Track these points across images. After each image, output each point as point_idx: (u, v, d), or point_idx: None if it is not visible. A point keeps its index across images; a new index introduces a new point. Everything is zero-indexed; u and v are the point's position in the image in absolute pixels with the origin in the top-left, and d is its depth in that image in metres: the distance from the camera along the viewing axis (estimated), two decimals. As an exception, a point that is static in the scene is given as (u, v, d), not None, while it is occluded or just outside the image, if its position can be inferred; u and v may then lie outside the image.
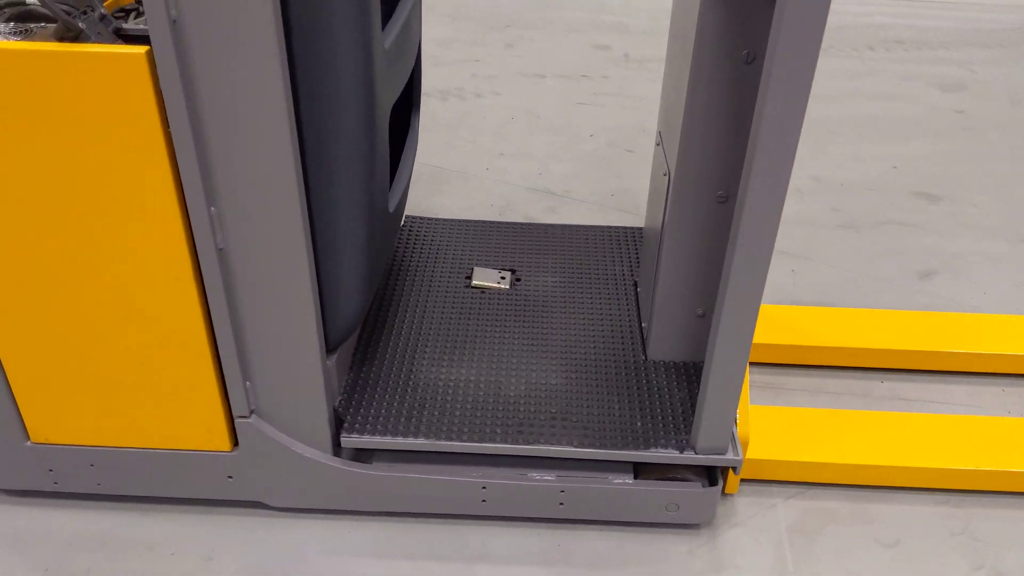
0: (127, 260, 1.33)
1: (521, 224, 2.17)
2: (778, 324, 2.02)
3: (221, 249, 1.33)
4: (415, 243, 2.07)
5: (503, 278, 1.95)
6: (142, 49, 1.15)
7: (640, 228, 2.15)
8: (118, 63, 1.16)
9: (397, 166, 1.69)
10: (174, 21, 1.13)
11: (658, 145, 1.70)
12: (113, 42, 1.24)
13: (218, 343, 1.41)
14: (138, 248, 1.32)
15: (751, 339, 1.37)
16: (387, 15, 1.54)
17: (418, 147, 3.05)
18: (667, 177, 1.56)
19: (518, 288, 1.92)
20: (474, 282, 1.93)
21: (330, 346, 1.52)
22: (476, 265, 2.00)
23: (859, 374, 2.00)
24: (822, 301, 2.25)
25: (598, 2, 4.51)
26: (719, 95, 1.40)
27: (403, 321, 1.79)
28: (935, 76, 3.69)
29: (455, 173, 2.88)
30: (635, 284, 1.93)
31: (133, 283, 1.35)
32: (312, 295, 1.38)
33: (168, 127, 1.21)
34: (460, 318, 1.81)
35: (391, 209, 1.54)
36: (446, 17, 4.28)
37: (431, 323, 1.79)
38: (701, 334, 1.68)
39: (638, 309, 1.85)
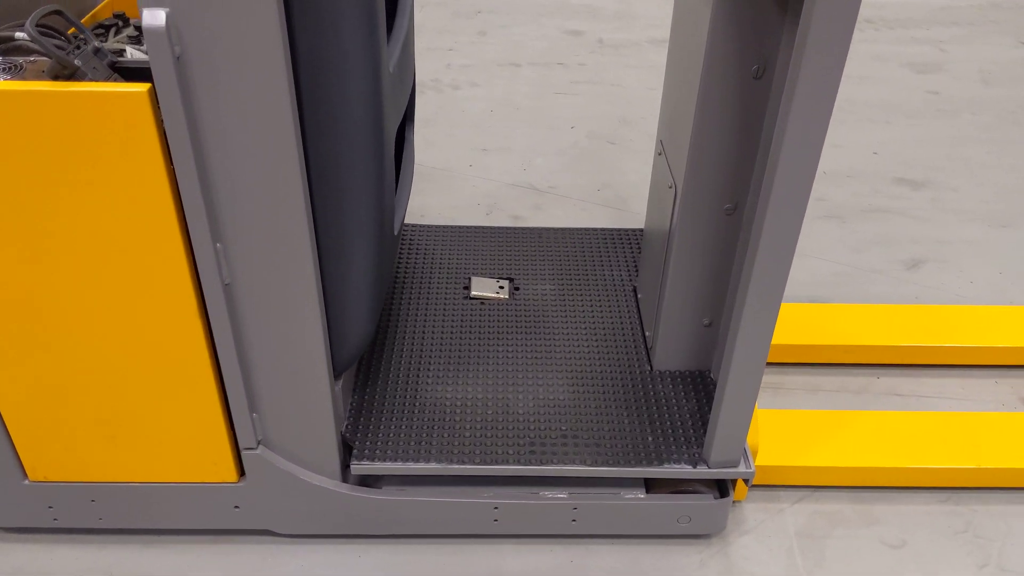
0: (131, 297, 1.29)
1: (515, 229, 2.15)
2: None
3: (228, 284, 1.30)
4: (411, 252, 2.04)
5: (501, 287, 1.93)
6: (143, 87, 1.11)
7: (634, 229, 2.14)
8: (119, 102, 1.11)
9: (397, 186, 1.66)
10: (178, 57, 1.09)
11: (660, 155, 1.69)
12: (109, 77, 1.19)
13: (224, 377, 1.38)
14: (142, 285, 1.27)
15: (766, 355, 1.37)
16: (387, 32, 1.50)
17: (398, 144, 3.01)
18: (673, 189, 1.55)
19: (517, 297, 1.91)
20: (473, 292, 1.91)
21: (337, 372, 1.49)
22: (473, 274, 1.98)
23: (855, 370, 2.02)
24: (814, 295, 2.26)
25: (568, -16, 4.46)
26: (728, 110, 1.38)
27: (404, 337, 1.77)
28: (907, 56, 3.71)
29: (438, 171, 2.84)
30: (634, 290, 1.93)
31: (137, 320, 1.31)
32: (321, 326, 1.36)
33: (172, 165, 1.17)
34: (462, 332, 1.79)
35: (395, 231, 1.51)
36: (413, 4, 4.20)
37: (433, 338, 1.77)
38: (707, 343, 1.67)
39: (639, 316, 1.84)
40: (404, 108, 1.50)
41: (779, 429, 1.75)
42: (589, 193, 2.74)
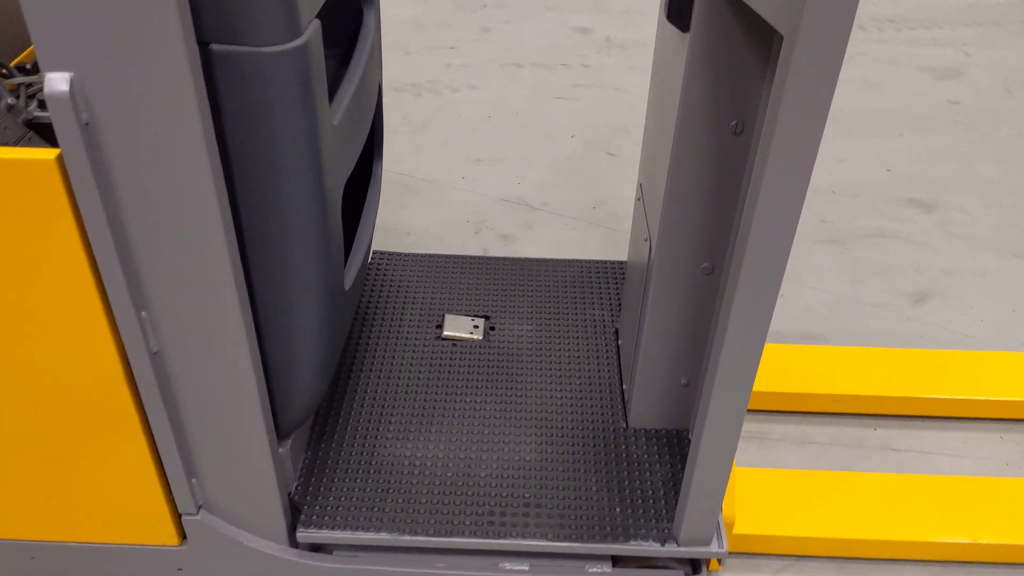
0: (56, 365, 1.20)
1: (495, 259, 2.04)
2: (761, 366, 1.92)
3: (156, 352, 1.21)
4: (382, 283, 1.95)
5: (476, 327, 1.83)
6: (52, 154, 1.01)
7: (620, 263, 2.03)
8: (26, 170, 1.02)
9: (355, 232, 1.56)
10: (86, 124, 0.99)
11: (638, 200, 1.58)
12: (23, 135, 1.10)
13: (157, 444, 1.30)
14: (67, 354, 1.19)
15: (740, 428, 1.27)
16: (340, 77, 1.39)
17: (387, 151, 2.90)
18: (648, 244, 1.44)
19: (492, 339, 1.81)
20: (445, 333, 1.81)
21: (283, 434, 1.41)
22: (448, 311, 1.88)
23: (848, 420, 1.91)
24: (806, 332, 2.15)
25: (577, -23, 4.31)
26: (704, 168, 1.27)
27: (368, 383, 1.68)
28: (925, 59, 3.55)
29: (425, 183, 2.74)
30: (616, 332, 1.82)
31: (64, 387, 1.23)
32: (258, 392, 1.27)
33: (86, 233, 1.08)
34: (429, 379, 1.70)
35: (347, 286, 1.41)
36: (417, -4, 4.08)
37: (397, 385, 1.68)
38: (685, 402, 1.57)
39: (619, 363, 1.74)
40: (358, 154, 1.39)
41: (761, 491, 1.64)
42: (583, 210, 2.62)
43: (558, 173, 2.80)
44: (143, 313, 1.16)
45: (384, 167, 2.81)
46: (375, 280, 1.96)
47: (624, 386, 1.66)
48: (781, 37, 0.92)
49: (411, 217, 2.58)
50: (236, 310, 1.17)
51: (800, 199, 1.02)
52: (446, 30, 3.76)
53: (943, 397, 1.86)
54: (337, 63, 1.50)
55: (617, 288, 1.95)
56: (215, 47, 1.02)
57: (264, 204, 1.15)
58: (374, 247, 2.36)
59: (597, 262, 2.03)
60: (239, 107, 1.06)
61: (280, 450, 1.43)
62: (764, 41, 1.16)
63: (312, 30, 1.07)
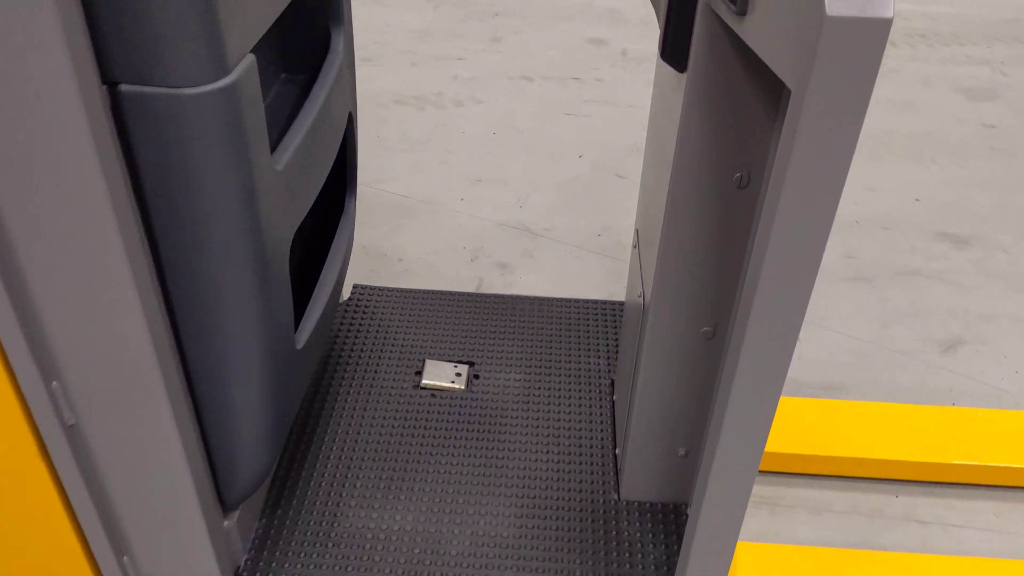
0: (-44, 436, 1.06)
1: (485, 296, 1.89)
2: (774, 423, 1.75)
3: (72, 425, 1.06)
4: (360, 322, 1.80)
5: (459, 374, 1.68)
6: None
7: (619, 303, 1.86)
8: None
9: (317, 278, 1.41)
10: None
11: (635, 248, 1.41)
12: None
13: (80, 521, 1.15)
14: (-34, 425, 1.05)
15: (744, 507, 1.10)
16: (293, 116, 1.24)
17: (384, 169, 2.75)
18: (642, 301, 1.27)
19: (475, 389, 1.65)
20: (424, 381, 1.66)
21: (228, 507, 1.26)
22: (429, 355, 1.72)
23: (870, 485, 1.73)
24: (827, 381, 1.97)
25: (594, -16, 4.15)
26: (703, 224, 1.11)
27: (333, 440, 1.53)
28: (960, 79, 3.35)
29: (422, 204, 2.59)
30: (612, 384, 1.66)
31: (-31, 458, 1.09)
32: (190, 468, 1.12)
33: (-21, 298, 0.93)
34: (402, 436, 1.54)
35: (301, 343, 1.26)
36: (425, 3, 3.93)
37: (366, 444, 1.53)
38: (683, 474, 1.41)
39: (614, 421, 1.58)
40: (316, 193, 1.24)
41: (767, 573, 1.47)
42: (587, 238, 2.46)
43: (563, 196, 2.64)
44: (54, 383, 1.02)
45: (380, 186, 2.67)
46: (353, 318, 1.81)
47: (617, 451, 1.50)
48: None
49: (405, 241, 2.43)
50: (158, 380, 1.02)
51: (814, 268, 0.86)
52: (454, 40, 3.61)
53: (974, 463, 1.68)
54: (300, 91, 1.35)
55: (616, 332, 1.79)
56: (124, 88, 0.87)
57: (190, 263, 1.00)
58: (359, 278, 2.21)
59: (594, 303, 1.87)
60: (155, 156, 0.91)
61: (226, 523, 1.28)
62: (772, 85, 0.99)
63: (244, 67, 0.92)
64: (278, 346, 1.15)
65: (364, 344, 1.74)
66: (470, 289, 2.23)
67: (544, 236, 2.47)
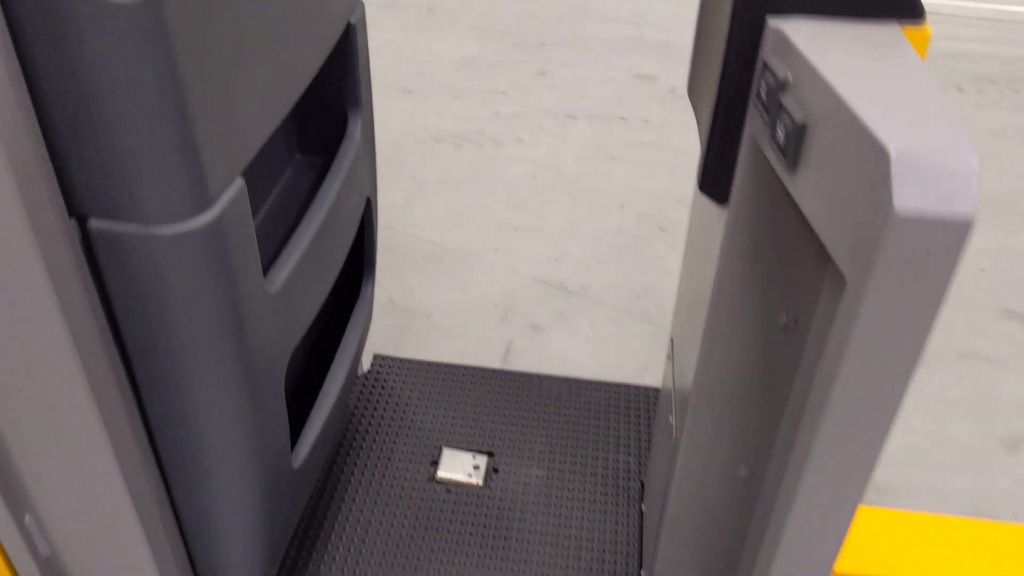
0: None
1: (511, 375, 1.78)
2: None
3: (48, 557, 0.98)
4: (378, 398, 1.70)
5: (477, 467, 1.57)
6: None
7: (655, 390, 1.74)
8: None
9: (323, 381, 1.31)
10: None
11: (669, 359, 1.29)
12: None
13: (56, 650, 1.07)
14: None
15: None
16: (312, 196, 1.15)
17: (419, 212, 2.66)
18: (673, 431, 1.16)
19: (493, 484, 1.54)
20: (439, 474, 1.56)
21: (217, 630, 1.17)
22: (447, 442, 1.62)
23: (919, 607, 1.58)
24: (876, 479, 1.83)
25: (641, 13, 4.02)
26: (742, 365, 0.99)
27: (341, 535, 1.43)
28: (1034, 132, 3.15)
29: (455, 253, 2.49)
30: (642, 487, 1.54)
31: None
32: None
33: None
34: (412, 538, 1.44)
35: (298, 463, 1.16)
36: (472, 30, 3.84)
37: (375, 541, 1.43)
38: (713, 608, 1.28)
39: (641, 533, 1.46)
40: (321, 302, 1.15)
41: None
42: (626, 299, 2.34)
43: (603, 250, 2.52)
44: (27, 517, 0.94)
45: (412, 232, 2.58)
46: (371, 393, 1.72)
47: (643, 572, 1.38)
48: None
49: (434, 295, 2.33)
50: (132, 515, 0.94)
51: (879, 447, 0.73)
52: (499, 72, 3.51)
53: (1039, 593, 1.53)
54: (315, 176, 1.26)
55: (648, 424, 1.67)
56: (94, 223, 0.78)
57: (169, 393, 0.91)
58: (385, 333, 2.12)
59: (627, 388, 1.75)
60: (128, 292, 0.82)
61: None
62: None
63: (231, 195, 0.82)
64: (272, 469, 1.06)
65: (380, 424, 1.65)
66: (499, 352, 2.12)
67: (580, 295, 2.35)
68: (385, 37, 3.77)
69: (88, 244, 0.80)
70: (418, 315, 2.27)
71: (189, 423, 0.93)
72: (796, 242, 0.88)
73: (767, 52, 0.75)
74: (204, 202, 0.79)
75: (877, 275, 0.59)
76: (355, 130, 1.24)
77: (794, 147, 0.69)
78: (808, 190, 0.70)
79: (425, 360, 1.82)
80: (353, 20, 1.16)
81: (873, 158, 0.58)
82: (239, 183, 0.84)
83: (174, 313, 0.83)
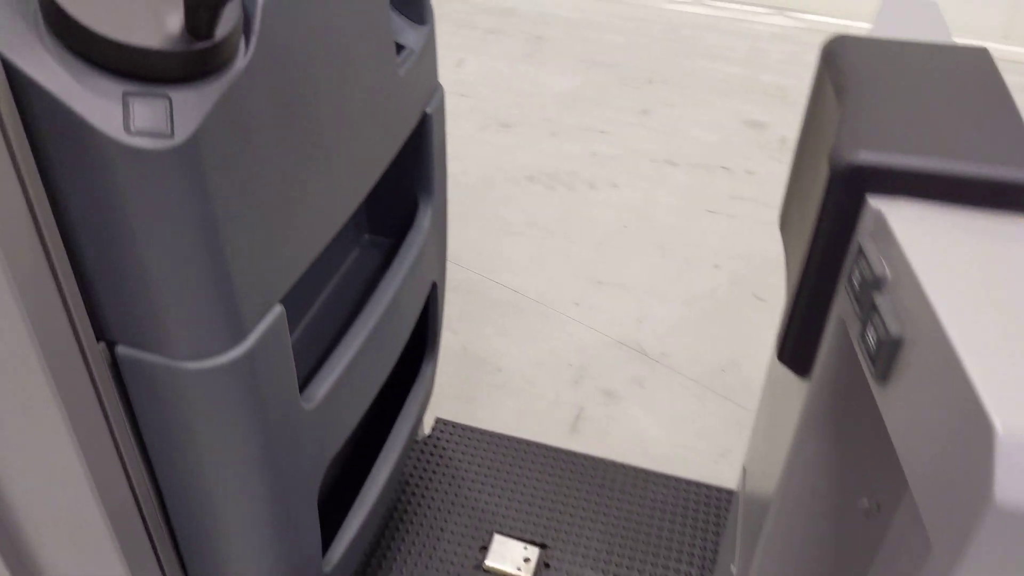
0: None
1: (575, 456, 1.70)
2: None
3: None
4: (436, 467, 1.65)
5: (527, 560, 1.50)
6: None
7: (729, 492, 1.63)
8: None
9: (367, 474, 1.26)
10: None
11: (736, 492, 1.19)
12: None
13: None
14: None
15: None
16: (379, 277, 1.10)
17: (502, 258, 2.60)
18: (735, 580, 1.05)
19: (542, 581, 1.47)
20: (487, 563, 1.49)
21: None
22: (499, 527, 1.55)
23: None
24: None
25: (758, 53, 3.86)
26: (815, 547, 0.88)
27: (376, 627, 1.38)
28: None
29: (534, 304, 2.42)
30: (699, 603, 1.44)
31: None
32: None
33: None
34: (450, 635, 1.38)
35: (329, 568, 1.11)
36: (579, 63, 3.76)
37: (411, 637, 1.37)
38: None
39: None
40: (369, 402, 1.09)
41: None
42: (709, 372, 2.22)
43: (690, 314, 2.41)
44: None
45: (492, 277, 2.52)
46: (428, 461, 1.66)
47: None
48: None
49: (507, 347, 2.27)
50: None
51: None
52: (601, 109, 3.42)
53: None
54: (382, 259, 1.21)
55: (717, 532, 1.56)
56: (121, 349, 0.75)
57: (195, 513, 0.87)
58: (452, 384, 2.06)
59: (699, 486, 1.64)
60: (155, 417, 0.78)
61: None
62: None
63: (266, 325, 0.77)
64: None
65: (435, 496, 1.59)
66: (568, 418, 2.04)
67: (660, 362, 2.25)
68: (490, 66, 3.73)
69: (115, 366, 0.76)
70: (489, 368, 2.21)
71: (213, 539, 0.89)
72: (880, 423, 0.78)
73: (864, 235, 0.64)
74: (238, 335, 0.74)
75: (967, 563, 0.49)
76: (424, 218, 1.18)
77: (885, 359, 0.59)
78: (896, 410, 0.59)
79: (488, 430, 1.76)
80: (430, 110, 1.10)
81: (976, 425, 0.48)
82: (277, 310, 0.79)
83: (200, 438, 0.79)
